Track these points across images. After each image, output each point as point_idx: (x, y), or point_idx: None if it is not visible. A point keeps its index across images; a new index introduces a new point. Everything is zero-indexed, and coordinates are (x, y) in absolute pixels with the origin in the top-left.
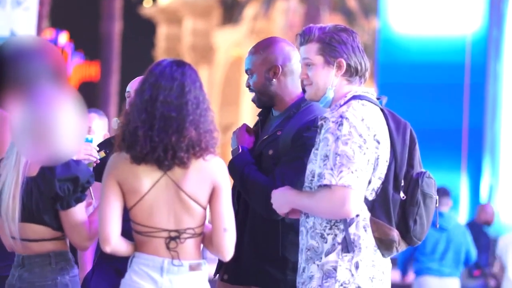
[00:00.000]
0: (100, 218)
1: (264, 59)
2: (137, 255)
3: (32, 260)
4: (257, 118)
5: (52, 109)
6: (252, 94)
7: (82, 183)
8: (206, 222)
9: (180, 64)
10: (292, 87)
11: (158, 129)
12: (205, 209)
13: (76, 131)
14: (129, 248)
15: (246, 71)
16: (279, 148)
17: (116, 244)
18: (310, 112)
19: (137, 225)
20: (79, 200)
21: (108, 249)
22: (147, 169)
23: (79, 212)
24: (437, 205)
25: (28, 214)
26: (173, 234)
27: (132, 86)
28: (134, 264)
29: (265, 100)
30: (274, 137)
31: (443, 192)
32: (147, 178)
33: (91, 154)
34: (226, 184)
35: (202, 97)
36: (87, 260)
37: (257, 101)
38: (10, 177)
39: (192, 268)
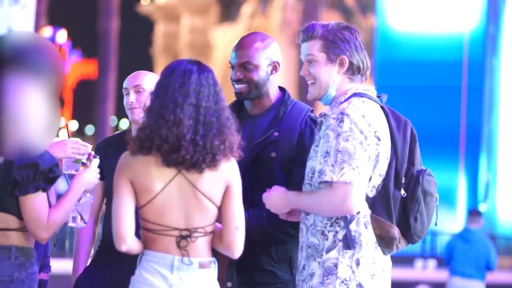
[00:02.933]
0: (114, 217)
1: (268, 53)
2: (147, 253)
3: None
4: None
5: (18, 102)
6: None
7: (42, 170)
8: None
9: (207, 69)
10: (276, 85)
11: (201, 134)
12: (218, 208)
13: (45, 128)
14: (141, 246)
15: (243, 64)
16: (284, 150)
17: (132, 242)
18: (299, 110)
19: (148, 223)
20: (38, 188)
21: (124, 248)
22: (162, 168)
23: (38, 200)
24: (437, 203)
25: None
26: (184, 233)
27: (133, 82)
28: (144, 261)
29: (255, 94)
30: (272, 139)
31: (474, 213)
32: (161, 177)
33: (78, 151)
34: (238, 184)
35: (225, 101)
36: (80, 264)
37: (246, 93)
38: None
39: (202, 266)
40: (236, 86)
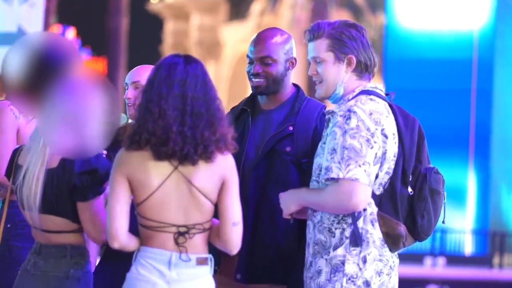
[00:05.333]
0: (108, 214)
1: (287, 49)
2: (144, 249)
3: (49, 249)
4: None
5: (84, 102)
6: (256, 80)
7: (100, 175)
8: None
9: (195, 60)
10: (291, 81)
11: (190, 125)
12: (214, 204)
13: (105, 126)
14: (136, 243)
15: (263, 58)
16: (299, 145)
17: (124, 240)
18: (314, 106)
19: (146, 219)
20: (97, 192)
21: (116, 245)
22: (157, 164)
23: (96, 205)
24: (445, 201)
25: (48, 206)
26: (182, 229)
27: (132, 78)
28: (140, 257)
29: (273, 89)
30: (286, 133)
31: None
32: (157, 173)
33: None
34: (235, 179)
35: (216, 92)
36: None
37: (264, 88)
38: (33, 167)
39: (200, 262)
40: (254, 80)
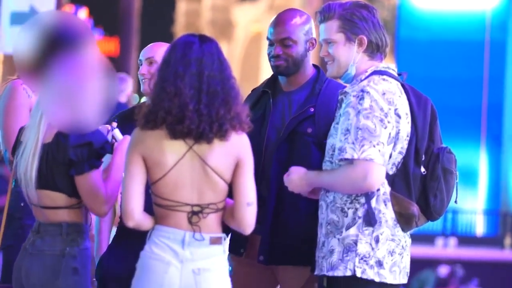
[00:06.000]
0: (124, 194)
1: (306, 29)
2: (158, 228)
3: (46, 228)
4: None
5: (78, 77)
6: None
7: (96, 149)
8: None
9: (210, 39)
10: (311, 62)
11: (206, 103)
12: (228, 184)
13: (103, 102)
14: (151, 222)
15: (283, 40)
16: (320, 126)
17: (139, 219)
18: (335, 87)
19: (160, 198)
20: (93, 166)
21: (131, 223)
22: (173, 143)
23: (94, 177)
24: (458, 180)
25: (44, 181)
26: (196, 208)
27: (146, 54)
28: (154, 236)
29: (293, 70)
30: (308, 114)
31: None
32: (173, 152)
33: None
34: (249, 159)
35: (231, 71)
36: (103, 241)
37: (285, 69)
38: (30, 143)
39: (213, 241)
40: (275, 61)
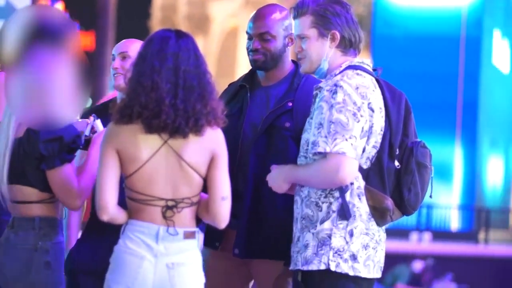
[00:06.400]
0: (98, 187)
1: (286, 25)
2: (132, 222)
3: (19, 222)
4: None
5: (48, 72)
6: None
7: (67, 143)
8: None
9: (186, 35)
10: (289, 58)
11: (182, 98)
12: (203, 178)
13: (73, 98)
14: (125, 216)
15: (262, 34)
16: (298, 121)
17: (114, 212)
18: (313, 82)
19: (134, 192)
20: (64, 160)
21: (105, 217)
22: (148, 137)
23: (66, 171)
24: (432, 175)
25: (15, 175)
26: (170, 203)
27: (119, 49)
28: (128, 231)
29: (271, 65)
30: (286, 109)
31: None
32: (147, 146)
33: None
34: (224, 153)
35: (206, 66)
36: (72, 235)
37: (263, 63)
38: (2, 139)
39: (187, 236)
40: (253, 55)
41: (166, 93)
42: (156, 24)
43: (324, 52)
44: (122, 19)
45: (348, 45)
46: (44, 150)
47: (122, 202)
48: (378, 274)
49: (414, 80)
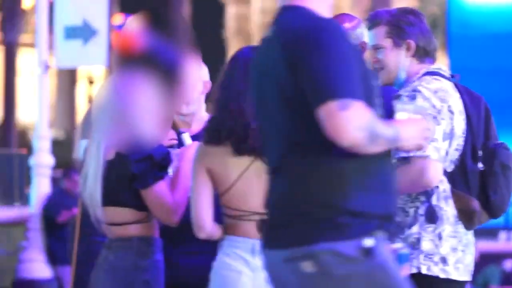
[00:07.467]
0: (193, 206)
1: (356, 34)
2: (229, 238)
3: (117, 243)
4: None
5: (134, 95)
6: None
7: (157, 161)
8: None
9: None
10: None
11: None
12: None
13: (159, 121)
14: (221, 232)
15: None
16: None
17: (210, 229)
18: (387, 90)
19: (230, 209)
20: (157, 178)
21: (203, 235)
22: (236, 158)
23: (159, 189)
24: None
25: (109, 198)
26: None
27: None
28: (225, 247)
29: None
30: None
31: None
32: (236, 166)
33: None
34: None
35: None
36: None
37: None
38: (93, 163)
39: None
40: None
41: (252, 117)
42: (230, 34)
43: (400, 61)
44: (197, 31)
45: (423, 54)
46: (136, 169)
47: (218, 218)
48: (468, 277)
49: (493, 78)
